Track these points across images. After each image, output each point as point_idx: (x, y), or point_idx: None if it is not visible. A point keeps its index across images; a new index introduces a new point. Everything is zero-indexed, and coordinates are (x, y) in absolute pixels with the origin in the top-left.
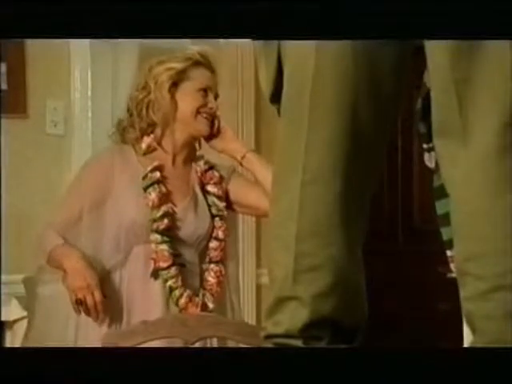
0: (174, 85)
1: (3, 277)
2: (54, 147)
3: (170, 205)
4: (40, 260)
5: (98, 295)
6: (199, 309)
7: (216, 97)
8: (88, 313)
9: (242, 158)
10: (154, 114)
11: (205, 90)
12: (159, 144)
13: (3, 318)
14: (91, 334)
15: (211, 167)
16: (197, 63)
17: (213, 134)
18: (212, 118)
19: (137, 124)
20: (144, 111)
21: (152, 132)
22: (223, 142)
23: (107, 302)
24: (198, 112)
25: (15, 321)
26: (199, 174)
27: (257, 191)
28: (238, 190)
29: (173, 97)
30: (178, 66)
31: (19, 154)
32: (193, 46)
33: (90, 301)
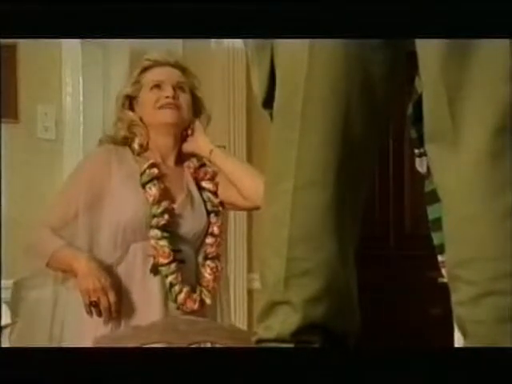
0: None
1: None
2: (46, 152)
3: (169, 201)
4: (36, 263)
5: (112, 296)
6: (197, 305)
7: (175, 87)
8: (100, 314)
9: (210, 152)
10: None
11: (157, 86)
12: (149, 143)
13: None
14: (77, 339)
15: (203, 164)
16: (145, 69)
17: (186, 133)
18: (174, 106)
19: (126, 123)
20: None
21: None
22: (193, 142)
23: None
24: (156, 105)
25: (4, 327)
26: (192, 171)
27: (232, 187)
28: (221, 186)
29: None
30: (129, 89)
31: (10, 159)
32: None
33: (104, 303)
